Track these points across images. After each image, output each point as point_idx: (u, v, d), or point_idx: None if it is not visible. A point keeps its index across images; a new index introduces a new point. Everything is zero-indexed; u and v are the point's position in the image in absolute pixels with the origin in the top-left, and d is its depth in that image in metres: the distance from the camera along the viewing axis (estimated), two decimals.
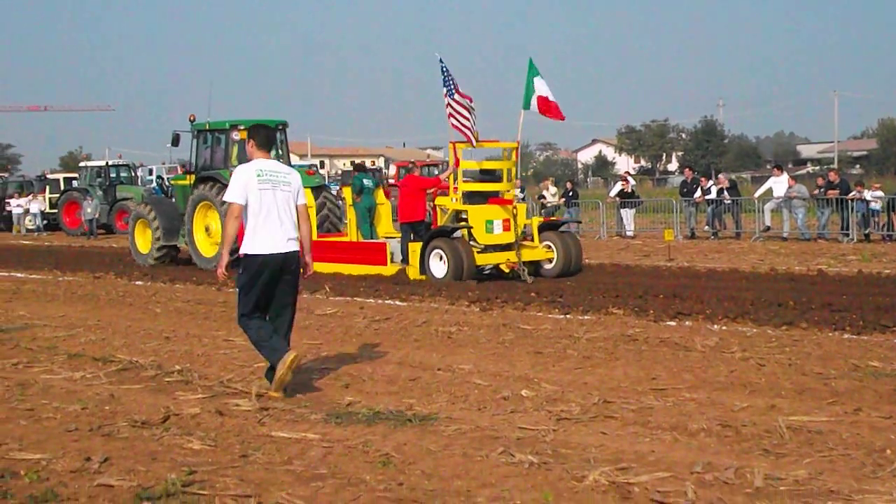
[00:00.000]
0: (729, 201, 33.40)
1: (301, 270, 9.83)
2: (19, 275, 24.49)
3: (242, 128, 23.89)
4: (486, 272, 20.60)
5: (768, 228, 31.62)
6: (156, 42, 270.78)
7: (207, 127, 25.61)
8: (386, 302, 16.92)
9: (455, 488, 6.72)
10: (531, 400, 9.26)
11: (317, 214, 23.93)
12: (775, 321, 13.43)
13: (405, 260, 21.28)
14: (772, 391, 9.43)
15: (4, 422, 8.92)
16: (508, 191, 21.20)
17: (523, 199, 40.41)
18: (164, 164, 69.73)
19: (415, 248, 20.62)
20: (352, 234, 23.35)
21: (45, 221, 50.48)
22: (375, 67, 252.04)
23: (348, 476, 7.04)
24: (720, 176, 39.52)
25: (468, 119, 20.11)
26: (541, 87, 20.92)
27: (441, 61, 20.42)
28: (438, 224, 21.03)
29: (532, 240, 21.16)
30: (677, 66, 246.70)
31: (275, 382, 9.59)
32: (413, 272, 20.57)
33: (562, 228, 22.05)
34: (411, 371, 10.80)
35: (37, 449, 7.90)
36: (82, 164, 56.36)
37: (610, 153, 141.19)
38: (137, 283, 21.60)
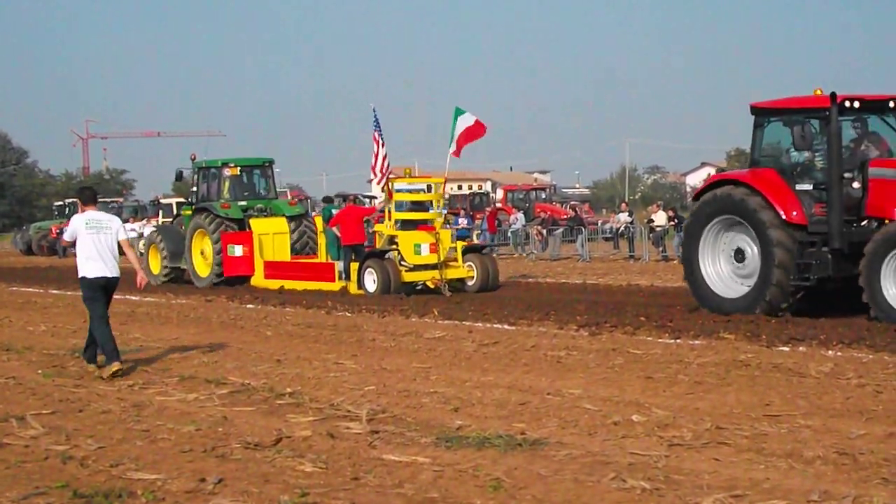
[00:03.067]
0: None
1: (138, 283, 14.08)
2: (134, 298, 24.92)
3: (233, 165, 29.07)
4: (418, 287, 24.09)
5: None
6: (266, 69, 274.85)
7: (205, 165, 29.61)
8: (494, 326, 16.91)
9: None
10: (642, 425, 9.18)
11: (298, 240, 28.38)
12: (892, 347, 13.14)
13: (347, 277, 24.84)
14: (889, 418, 9.23)
15: (121, 442, 9.09)
16: (436, 219, 24.74)
17: (631, 222, 40.29)
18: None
19: (354, 266, 24.31)
20: (321, 256, 26.83)
21: None
22: (483, 92, 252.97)
23: (459, 500, 7.04)
24: None
25: (378, 162, 24.60)
26: (462, 124, 24.43)
27: (374, 111, 25.03)
28: (377, 246, 24.74)
29: (457, 260, 24.63)
30: (788, 88, 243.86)
31: (106, 373, 12.77)
32: (352, 287, 24.24)
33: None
34: (521, 395, 10.77)
35: (153, 469, 8.03)
36: (194, 188, 57.36)
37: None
38: (248, 306, 21.87)
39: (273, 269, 27.19)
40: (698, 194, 19.14)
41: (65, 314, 21.31)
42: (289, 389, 11.41)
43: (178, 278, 29.05)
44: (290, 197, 36.65)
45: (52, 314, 21.42)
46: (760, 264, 16.95)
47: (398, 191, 25.31)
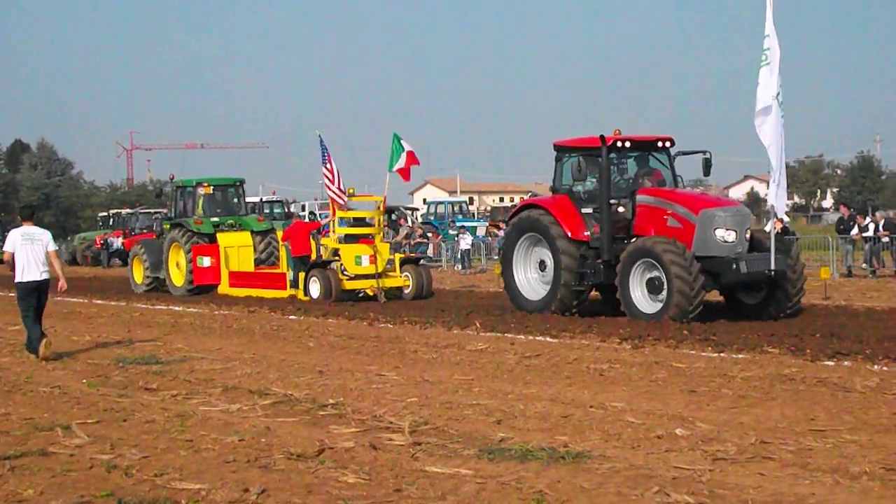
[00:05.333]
0: (887, 239, 32.58)
1: (59, 287, 16.68)
2: (177, 308, 25.09)
3: (206, 184, 31.82)
4: (360, 295, 26.59)
5: None
6: (306, 81, 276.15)
7: (181, 184, 32.61)
8: (536, 338, 16.88)
9: None
10: (686, 439, 9.13)
11: (264, 251, 30.97)
12: None
13: (296, 285, 27.29)
14: None
15: (165, 452, 9.13)
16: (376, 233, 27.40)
17: None
18: (316, 199, 70.88)
19: (301, 276, 26.91)
20: (283, 266, 28.64)
21: None
22: (526, 101, 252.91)
23: None
24: (877, 213, 38.56)
25: (335, 183, 26.96)
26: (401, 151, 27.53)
27: (320, 136, 27.82)
28: (322, 258, 27.37)
29: (395, 271, 27.21)
30: (833, 102, 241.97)
31: (41, 355, 15.53)
32: (300, 294, 26.82)
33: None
34: (563, 408, 10.74)
35: (196, 479, 8.07)
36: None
37: (762, 189, 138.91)
38: (291, 317, 21.93)
39: (236, 278, 29.85)
40: (511, 216, 22.82)
41: (109, 324, 21.47)
42: (331, 400, 11.43)
43: (159, 287, 31.43)
44: (257, 214, 38.97)
45: (97, 324, 21.57)
46: (553, 272, 20.63)
47: (348, 209, 28.36)
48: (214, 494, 7.61)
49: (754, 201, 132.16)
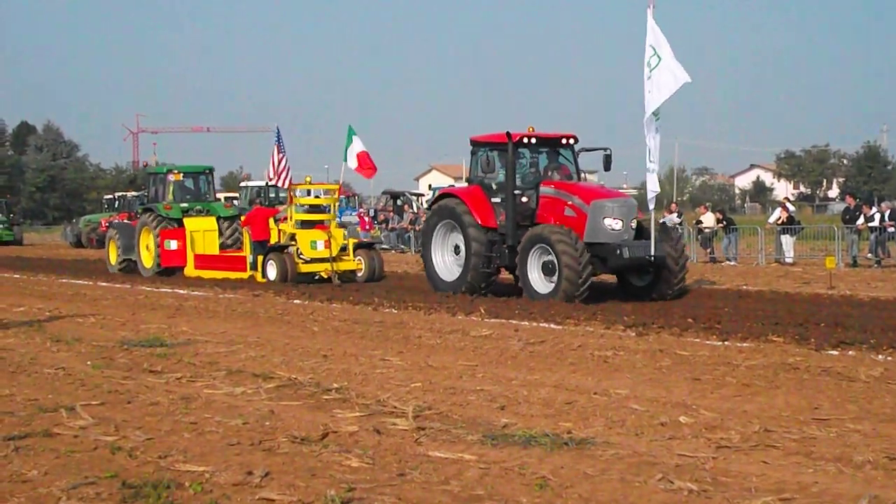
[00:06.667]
0: (893, 229, 32.55)
1: None
2: (182, 291, 25.11)
3: (176, 171, 33.29)
4: (316, 277, 27.83)
5: None
6: (313, 63, 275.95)
7: (153, 171, 35.00)
8: (541, 325, 16.88)
9: None
10: (689, 427, 9.14)
11: (230, 236, 32.20)
12: None
13: (255, 267, 28.62)
14: None
15: (170, 434, 9.15)
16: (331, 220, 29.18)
17: (680, 223, 40.12)
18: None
19: (260, 259, 28.31)
20: (246, 250, 29.82)
21: None
22: (531, 92, 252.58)
23: (505, 498, 7.03)
24: (883, 203, 38.52)
25: (281, 167, 30.18)
26: (358, 146, 29.83)
27: (277, 129, 31.21)
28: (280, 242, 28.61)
29: (349, 254, 28.56)
30: (839, 91, 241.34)
31: None
32: (258, 276, 28.06)
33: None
34: (567, 394, 10.75)
35: (200, 461, 8.08)
36: (243, 183, 57.85)
37: (768, 179, 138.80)
38: (295, 301, 21.94)
39: (201, 261, 31.25)
40: (430, 205, 24.98)
41: (114, 306, 21.50)
42: (335, 385, 11.44)
43: (131, 269, 32.92)
44: (224, 200, 41.20)
45: (101, 306, 21.59)
46: (465, 256, 22.60)
47: (299, 195, 30.18)
48: (218, 477, 7.62)
49: (760, 190, 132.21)
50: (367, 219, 51.47)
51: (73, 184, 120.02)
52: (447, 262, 23.53)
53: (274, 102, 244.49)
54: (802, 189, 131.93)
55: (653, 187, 21.72)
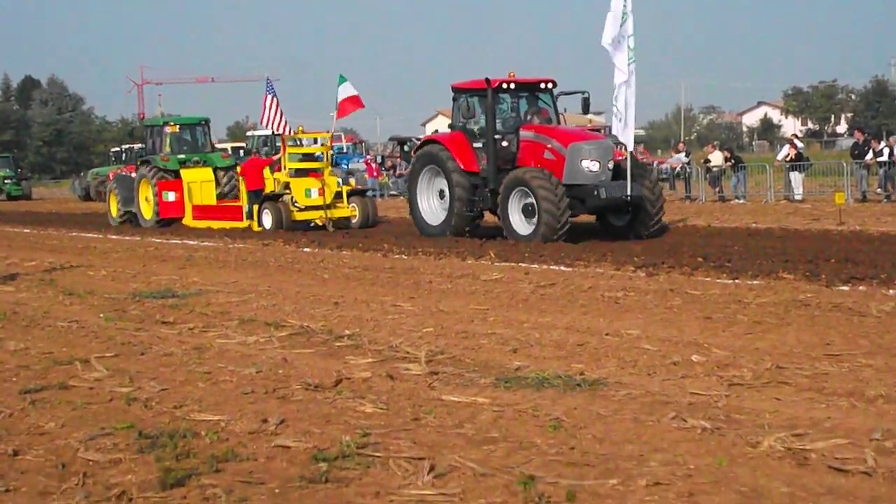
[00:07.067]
0: None
1: None
2: (191, 242, 25.16)
3: (173, 123, 33.82)
4: (312, 225, 28.20)
5: None
6: (317, 12, 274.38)
7: (150, 123, 35.41)
8: (551, 267, 16.89)
9: (627, 453, 6.69)
10: (701, 365, 9.16)
11: (227, 184, 32.45)
12: None
13: (251, 216, 28.96)
14: None
15: (184, 384, 9.19)
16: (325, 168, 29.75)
17: (688, 163, 40.05)
18: (329, 132, 70.70)
19: (255, 208, 28.60)
20: (243, 201, 30.09)
21: None
22: (538, 28, 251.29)
23: (519, 440, 7.06)
24: (892, 138, 38.34)
25: (267, 115, 29.94)
26: (343, 91, 29.22)
27: (267, 78, 31.75)
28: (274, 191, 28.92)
29: (342, 202, 28.89)
30: (846, 25, 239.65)
31: None
32: (254, 225, 28.49)
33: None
34: (579, 336, 10.77)
35: (216, 410, 8.13)
36: (249, 133, 57.78)
37: (776, 116, 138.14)
38: (305, 249, 21.99)
39: (199, 211, 31.86)
40: (415, 150, 25.19)
41: (124, 259, 21.56)
42: (347, 332, 11.47)
43: (132, 221, 33.28)
44: (222, 150, 41.12)
45: (112, 259, 21.65)
46: (449, 200, 23.19)
47: (293, 144, 30.77)
48: (233, 425, 7.66)
49: (768, 128, 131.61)
50: (374, 165, 51.34)
51: (79, 137, 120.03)
52: (433, 207, 24.16)
53: (279, 51, 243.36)
54: (810, 125, 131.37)
55: (625, 130, 22.10)
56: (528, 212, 21.48)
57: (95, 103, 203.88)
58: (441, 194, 23.82)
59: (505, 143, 22.72)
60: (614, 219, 22.64)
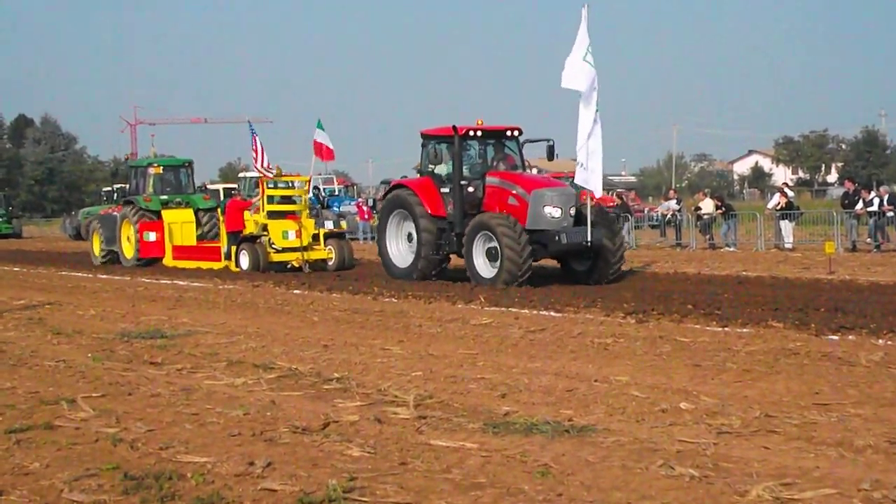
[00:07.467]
0: (892, 213, 32.54)
1: None
2: (181, 283, 25.12)
3: (157, 165, 34.90)
4: (288, 266, 28.36)
5: None
6: (312, 58, 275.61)
7: (135, 164, 36.60)
8: (541, 313, 16.88)
9: (615, 500, 6.67)
10: (690, 413, 9.14)
11: (207, 224, 33.22)
12: None
13: (228, 257, 29.59)
14: None
15: (171, 425, 9.15)
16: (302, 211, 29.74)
17: (679, 210, 40.14)
18: (320, 174, 70.75)
19: (234, 249, 29.16)
20: (223, 242, 30.48)
21: None
22: (529, 75, 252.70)
23: (507, 485, 7.04)
24: (882, 188, 38.49)
25: (258, 161, 29.61)
26: (320, 138, 29.66)
27: (249, 122, 32.27)
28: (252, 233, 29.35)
29: (319, 244, 29.32)
30: (837, 76, 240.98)
31: None
32: (232, 266, 29.01)
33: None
34: (568, 382, 10.75)
35: (202, 452, 8.09)
36: (241, 174, 57.82)
37: (767, 164, 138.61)
38: (295, 291, 21.96)
39: (179, 251, 32.25)
40: (384, 195, 26.18)
41: (113, 299, 21.51)
42: (336, 374, 11.44)
43: (114, 259, 33.66)
44: (204, 192, 42.60)
45: (101, 298, 21.61)
46: (417, 243, 23.59)
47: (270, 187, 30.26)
48: (220, 467, 7.62)
49: (759, 176, 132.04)
50: (365, 208, 51.37)
51: (71, 176, 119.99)
52: (401, 250, 24.58)
53: (272, 94, 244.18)
54: (801, 174, 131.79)
55: (590, 176, 22.42)
56: (491, 255, 21.92)
57: (88, 142, 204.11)
58: (409, 237, 24.22)
59: (471, 189, 23.21)
60: (576, 264, 23.01)
